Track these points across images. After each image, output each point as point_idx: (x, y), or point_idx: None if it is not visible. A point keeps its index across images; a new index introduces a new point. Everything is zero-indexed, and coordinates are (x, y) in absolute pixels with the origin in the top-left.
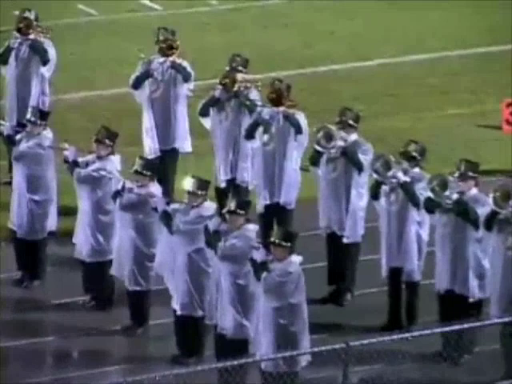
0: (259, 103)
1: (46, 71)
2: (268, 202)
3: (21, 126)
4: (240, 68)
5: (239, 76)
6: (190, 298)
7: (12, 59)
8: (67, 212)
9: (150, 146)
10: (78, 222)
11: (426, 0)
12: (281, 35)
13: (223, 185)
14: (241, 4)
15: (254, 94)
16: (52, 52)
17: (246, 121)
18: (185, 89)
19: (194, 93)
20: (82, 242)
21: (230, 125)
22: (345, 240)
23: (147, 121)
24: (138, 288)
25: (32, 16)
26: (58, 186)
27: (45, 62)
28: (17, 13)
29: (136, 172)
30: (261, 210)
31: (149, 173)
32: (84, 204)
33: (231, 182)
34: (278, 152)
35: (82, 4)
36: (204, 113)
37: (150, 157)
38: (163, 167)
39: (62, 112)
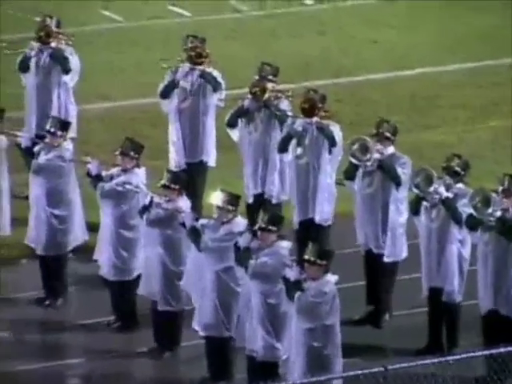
0: (290, 114)
1: (69, 80)
2: (302, 218)
3: (39, 137)
4: (270, 77)
5: (269, 85)
6: (216, 318)
7: (32, 68)
8: (91, 228)
9: (176, 159)
10: (99, 238)
11: (468, 6)
12: (315, 43)
13: (252, 199)
14: (273, 11)
15: (285, 105)
16: (74, 60)
17: (276, 132)
18: (214, 99)
19: (224, 103)
20: (105, 260)
21: (260, 136)
22: (385, 259)
23: (174, 132)
24: (168, 308)
25: (53, 23)
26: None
27: (66, 70)
28: (38, 19)
29: (164, 186)
30: (295, 226)
31: (177, 187)
32: (107, 219)
33: (261, 196)
34: (311, 165)
35: (107, 11)
36: (232, 124)
37: (175, 170)
38: (192, 181)
39: (84, 123)
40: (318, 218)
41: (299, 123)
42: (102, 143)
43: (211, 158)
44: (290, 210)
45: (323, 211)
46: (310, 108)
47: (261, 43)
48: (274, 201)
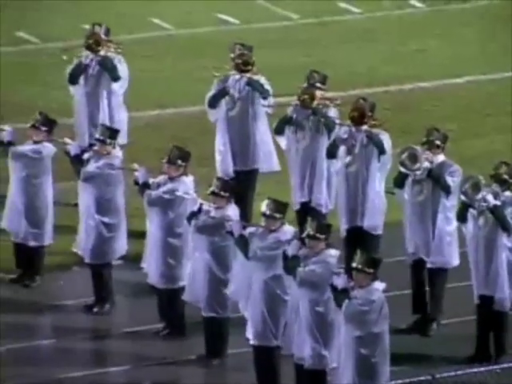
0: (338, 122)
1: (118, 88)
2: (350, 226)
3: (89, 145)
4: (318, 85)
5: (318, 93)
6: (264, 327)
7: (81, 76)
8: (137, 235)
9: (223, 167)
10: (146, 246)
11: None
12: (363, 51)
13: (299, 207)
14: (322, 19)
15: (333, 112)
16: (123, 68)
17: (325, 140)
18: (263, 107)
19: (273, 110)
20: (153, 267)
21: (308, 144)
22: (428, 265)
23: (220, 141)
24: (214, 315)
25: (102, 31)
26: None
27: (115, 78)
28: (87, 27)
29: (213, 193)
30: (342, 234)
31: (226, 194)
32: (154, 227)
33: (308, 204)
34: (360, 173)
35: (157, 19)
36: (279, 131)
37: (225, 178)
38: (241, 189)
39: (133, 130)
40: (367, 226)
41: (347, 131)
42: (150, 150)
43: (271, 162)
44: (336, 217)
45: (372, 219)
46: (359, 116)
47: (309, 51)
48: (321, 209)
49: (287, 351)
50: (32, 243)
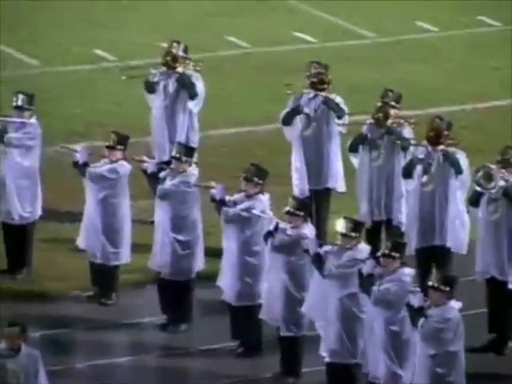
0: (413, 141)
1: (193, 106)
2: (423, 245)
3: (165, 163)
4: (393, 103)
5: (392, 112)
6: (341, 344)
7: (159, 93)
8: (213, 253)
9: (300, 186)
10: (223, 264)
11: None
12: (440, 69)
13: (372, 226)
14: (395, 37)
15: (408, 132)
16: (200, 86)
17: (400, 159)
18: (338, 126)
19: (346, 130)
20: (229, 285)
21: (383, 163)
22: (510, 286)
23: (297, 159)
24: (290, 334)
25: (180, 49)
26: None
27: (192, 96)
28: (165, 45)
29: (289, 212)
30: (412, 253)
31: (302, 213)
32: (230, 245)
33: (383, 223)
34: (437, 193)
35: (233, 37)
36: (354, 149)
37: (300, 197)
38: (316, 207)
39: (210, 149)
40: (453, 246)
41: (422, 150)
42: (227, 168)
43: (339, 183)
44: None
45: (458, 239)
46: (435, 136)
47: (384, 69)
48: (402, 228)
49: (366, 369)
50: (110, 262)
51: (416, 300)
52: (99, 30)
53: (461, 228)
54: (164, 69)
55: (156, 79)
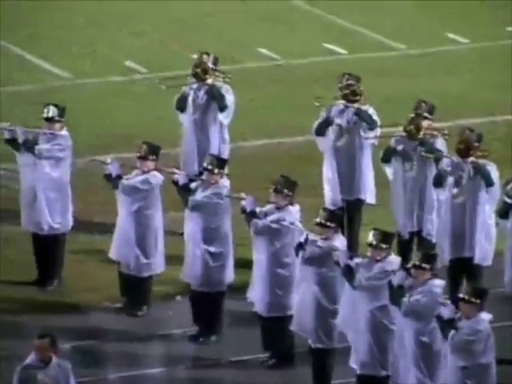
0: (445, 153)
1: (223, 118)
2: (454, 257)
3: (196, 174)
4: (426, 115)
5: (425, 123)
6: (371, 356)
7: (189, 105)
8: (243, 265)
9: (332, 197)
10: (253, 275)
11: None
12: (470, 81)
13: (406, 237)
14: (425, 49)
15: (440, 143)
16: (230, 98)
17: (432, 171)
18: (370, 137)
19: (378, 141)
20: (259, 296)
21: (415, 174)
22: None
23: (329, 170)
24: (320, 346)
25: (210, 60)
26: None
27: (222, 108)
28: (195, 56)
29: (319, 224)
30: (445, 264)
31: (333, 225)
32: (260, 256)
33: (415, 234)
34: (468, 205)
35: (265, 48)
36: (386, 160)
37: (331, 208)
38: (347, 219)
39: (240, 160)
40: (477, 258)
41: (452, 163)
42: (257, 180)
43: (369, 195)
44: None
45: (482, 251)
46: (465, 149)
47: (415, 80)
48: (433, 239)
49: (392, 381)
50: (143, 273)
51: (446, 312)
52: (130, 41)
53: (485, 240)
54: (194, 80)
55: (186, 91)
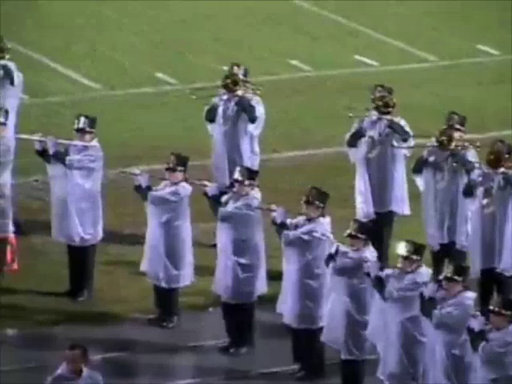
0: (477, 164)
1: (253, 129)
2: (485, 267)
3: (227, 186)
4: (457, 126)
5: (457, 135)
6: (401, 368)
7: (219, 116)
8: (274, 276)
9: (364, 209)
10: (283, 287)
11: None
12: (498, 93)
13: (437, 249)
14: (457, 61)
15: (472, 155)
16: (260, 109)
17: (464, 182)
18: (402, 146)
19: (411, 152)
20: (289, 308)
21: (446, 185)
22: None
23: (361, 182)
24: (351, 357)
25: (240, 72)
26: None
27: (252, 119)
28: (225, 68)
29: (350, 236)
30: (477, 275)
31: (363, 236)
32: (291, 268)
33: (447, 246)
34: (498, 215)
35: (295, 60)
36: (418, 171)
37: (363, 220)
38: (378, 231)
39: (271, 172)
40: (503, 268)
41: (483, 173)
42: (289, 192)
43: (404, 206)
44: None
45: (509, 261)
46: (495, 159)
47: (445, 92)
48: (465, 250)
49: None
50: (172, 284)
51: (476, 324)
52: (160, 53)
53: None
54: (224, 91)
55: (216, 102)
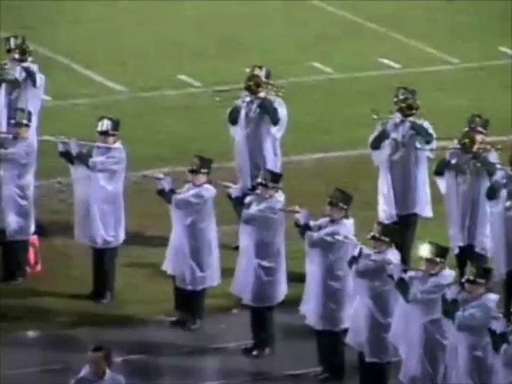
0: (499, 166)
1: (276, 131)
2: (509, 269)
3: (250, 188)
4: (480, 129)
5: (479, 137)
6: (422, 370)
7: (241, 119)
8: (296, 278)
9: (387, 211)
10: (306, 288)
11: None
12: None
13: (459, 251)
14: (482, 63)
15: (493, 157)
16: (283, 111)
17: (486, 184)
18: (426, 151)
19: (434, 155)
20: (312, 309)
21: (468, 188)
22: None
23: (384, 184)
24: (374, 359)
25: (262, 74)
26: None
27: (274, 121)
28: (247, 70)
29: (373, 238)
30: (501, 278)
31: (386, 239)
32: (314, 269)
33: (467, 248)
34: None
35: (318, 63)
36: (440, 173)
37: (385, 222)
38: (401, 233)
39: (294, 174)
40: None
41: (504, 175)
42: (312, 194)
43: (426, 208)
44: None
45: None
46: None
47: (469, 95)
48: (485, 253)
49: None
50: (198, 286)
51: (498, 326)
52: (185, 55)
53: None
54: (246, 93)
55: (239, 104)
